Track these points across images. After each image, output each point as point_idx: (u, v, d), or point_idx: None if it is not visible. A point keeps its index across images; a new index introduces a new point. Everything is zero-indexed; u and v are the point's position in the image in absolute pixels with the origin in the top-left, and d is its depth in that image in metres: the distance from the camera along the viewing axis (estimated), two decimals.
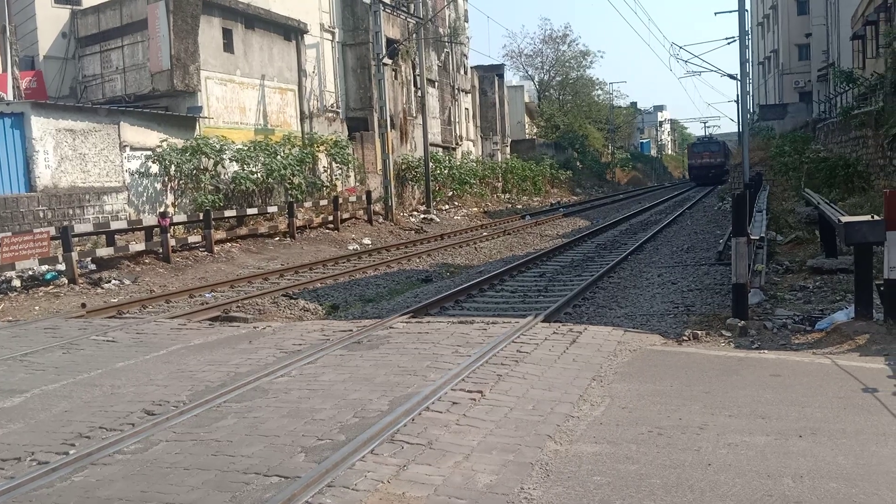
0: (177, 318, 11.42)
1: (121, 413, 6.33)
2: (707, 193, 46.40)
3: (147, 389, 7.08)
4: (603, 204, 43.31)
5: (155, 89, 22.94)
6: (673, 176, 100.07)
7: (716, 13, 76.31)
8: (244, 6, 25.01)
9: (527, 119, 66.01)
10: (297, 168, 24.61)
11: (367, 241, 24.07)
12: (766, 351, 7.79)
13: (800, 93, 53.28)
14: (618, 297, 12.50)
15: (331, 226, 24.61)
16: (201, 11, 22.92)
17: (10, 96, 20.80)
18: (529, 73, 74.71)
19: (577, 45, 76.86)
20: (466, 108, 45.81)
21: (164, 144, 20.78)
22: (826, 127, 31.46)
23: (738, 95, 40.87)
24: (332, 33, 30.51)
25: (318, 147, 26.86)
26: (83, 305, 13.15)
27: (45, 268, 15.50)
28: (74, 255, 15.56)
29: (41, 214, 17.67)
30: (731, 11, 54.12)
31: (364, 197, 27.39)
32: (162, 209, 20.27)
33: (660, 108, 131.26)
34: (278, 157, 23.83)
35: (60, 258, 15.50)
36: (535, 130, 67.66)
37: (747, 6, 31.45)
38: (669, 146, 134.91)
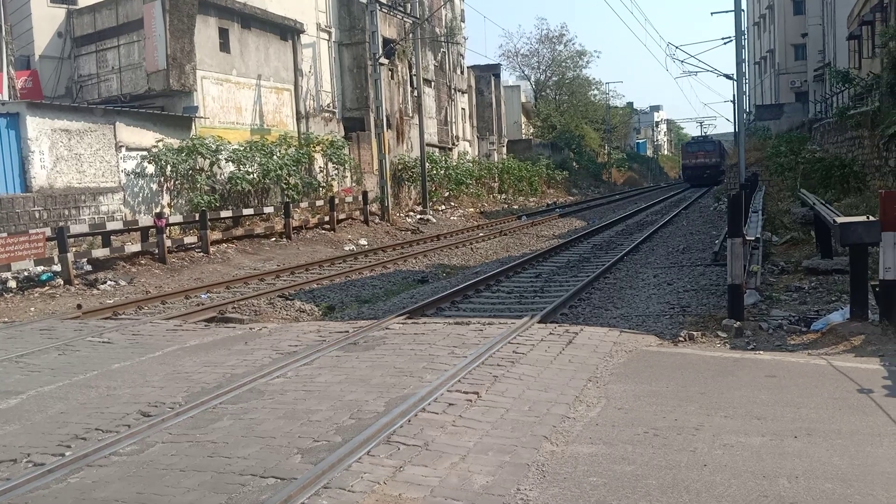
0: (173, 320, 11.41)
1: (117, 414, 6.33)
2: (703, 194, 46.44)
3: (143, 391, 7.07)
4: (599, 204, 43.37)
5: (151, 89, 22.92)
6: (669, 176, 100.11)
7: (712, 13, 76.52)
8: (240, 6, 24.99)
9: (523, 119, 66.07)
10: (294, 168, 24.59)
11: (363, 241, 24.07)
12: (761, 352, 7.81)
13: (796, 93, 53.37)
14: (614, 298, 12.52)
15: (327, 226, 24.60)
16: (197, 11, 22.90)
17: (5, 96, 20.77)
18: (526, 73, 74.80)
19: (573, 44, 76.83)
20: (463, 108, 45.82)
21: (160, 145, 20.76)
22: (822, 127, 31.51)
23: (734, 95, 40.83)
24: (329, 33, 30.50)
25: (314, 147, 26.84)
26: (79, 306, 13.13)
27: (40, 269, 15.48)
28: (70, 256, 15.54)
29: (37, 215, 17.64)
30: (727, 11, 54.05)
31: (360, 197, 27.37)
32: (158, 210, 20.25)
33: (656, 108, 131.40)
34: (274, 157, 23.81)
35: (56, 259, 15.48)
36: (531, 130, 67.71)
37: (743, 6, 31.46)
38: (666, 146, 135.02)
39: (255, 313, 12.40)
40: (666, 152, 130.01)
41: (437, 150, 38.65)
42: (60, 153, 18.76)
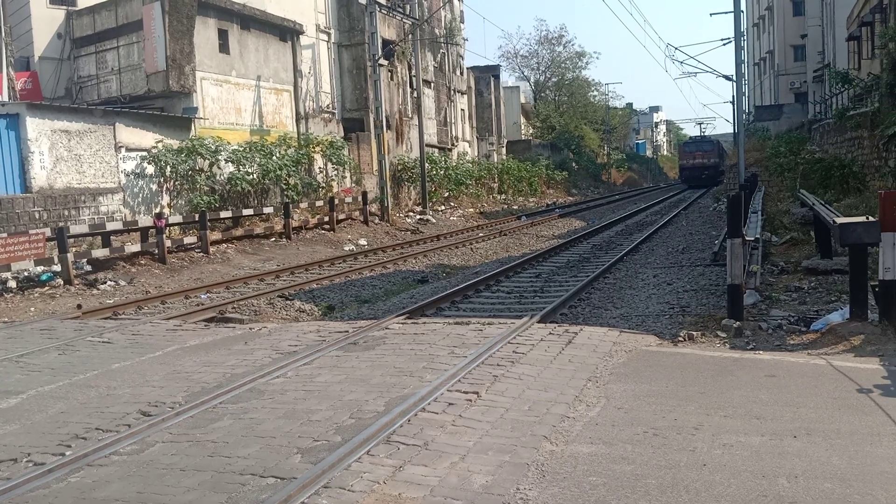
0: (172, 319, 11.41)
1: (117, 414, 6.33)
2: (702, 194, 46.35)
3: (143, 390, 7.08)
4: (599, 205, 43.38)
5: (150, 90, 22.92)
6: (668, 177, 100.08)
7: (711, 14, 76.58)
8: (240, 7, 24.99)
9: (523, 120, 66.08)
10: (293, 169, 24.60)
11: (363, 241, 24.07)
12: (761, 352, 7.82)
13: (795, 94, 53.38)
14: (613, 298, 12.53)
15: (327, 226, 24.61)
16: (197, 12, 22.90)
17: (5, 97, 20.77)
18: (525, 73, 74.82)
19: (572, 45, 76.91)
20: (462, 109, 45.83)
21: (160, 145, 20.77)
22: (822, 128, 31.53)
23: (733, 96, 40.88)
24: (328, 34, 30.50)
25: (313, 148, 26.85)
26: (79, 306, 13.13)
27: (40, 269, 15.49)
28: (70, 257, 15.54)
29: (37, 215, 17.64)
30: (726, 13, 54.33)
31: (360, 198, 27.38)
32: (157, 210, 20.26)
33: (655, 109, 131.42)
34: (274, 157, 23.82)
35: (56, 259, 15.48)
36: (531, 131, 67.70)
37: (743, 7, 31.48)
38: (665, 147, 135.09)
39: (255, 313, 12.40)
40: (665, 153, 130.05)
41: (436, 150, 38.66)
42: (60, 154, 18.76)
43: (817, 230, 13.75)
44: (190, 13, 22.64)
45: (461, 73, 45.56)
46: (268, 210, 22.97)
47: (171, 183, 21.29)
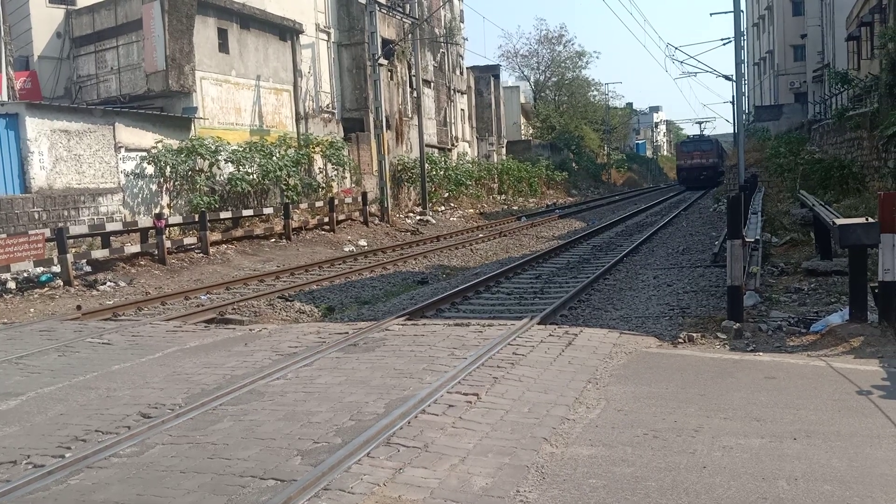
0: (172, 321, 11.41)
1: (117, 416, 6.33)
2: (702, 195, 46.23)
3: (143, 392, 7.08)
4: (599, 205, 43.38)
5: (150, 90, 22.91)
6: (669, 177, 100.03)
7: (711, 14, 76.52)
8: (239, 6, 24.99)
9: (523, 120, 66.08)
10: (293, 169, 24.60)
11: (362, 242, 24.07)
12: (760, 353, 7.81)
13: (795, 94, 53.41)
14: (613, 300, 12.52)
15: (326, 227, 24.61)
16: (196, 11, 22.90)
17: (4, 97, 20.75)
18: (525, 73, 74.82)
19: (572, 45, 76.95)
20: (462, 109, 45.83)
21: (160, 145, 20.76)
22: (821, 128, 31.56)
23: (733, 96, 40.85)
24: (328, 33, 30.50)
25: (313, 148, 26.85)
26: (78, 307, 13.13)
27: (40, 269, 15.48)
28: (69, 257, 15.54)
29: (36, 216, 17.63)
30: (726, 12, 54.34)
31: (360, 198, 27.38)
32: (157, 211, 20.25)
33: (655, 109, 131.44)
34: (274, 158, 23.82)
35: (55, 260, 15.48)
36: (530, 131, 67.71)
37: (742, 7, 31.48)
38: (665, 147, 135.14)
39: (255, 314, 12.40)
40: (665, 153, 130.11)
41: (436, 150, 38.67)
42: (60, 154, 18.76)
43: (817, 231, 13.75)
44: (189, 12, 22.64)
45: (461, 73, 45.56)
46: (268, 211, 22.97)
47: (171, 183, 21.29)
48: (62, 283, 15.32)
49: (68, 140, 18.97)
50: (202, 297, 14.34)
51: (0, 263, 14.61)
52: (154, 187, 20.99)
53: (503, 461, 4.96)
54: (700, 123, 72.05)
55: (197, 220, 19.57)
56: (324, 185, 27.31)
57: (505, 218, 33.85)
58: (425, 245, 23.25)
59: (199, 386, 7.16)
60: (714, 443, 5.18)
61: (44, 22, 24.55)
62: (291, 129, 27.41)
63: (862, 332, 7.89)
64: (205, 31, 23.50)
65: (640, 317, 10.72)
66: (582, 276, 14.92)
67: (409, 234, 26.93)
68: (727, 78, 34.67)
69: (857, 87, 24.80)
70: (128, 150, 20.44)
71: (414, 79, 34.54)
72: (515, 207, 40.76)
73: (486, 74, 51.98)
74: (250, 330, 10.39)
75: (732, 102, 44.70)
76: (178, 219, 20.04)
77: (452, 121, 43.05)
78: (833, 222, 9.38)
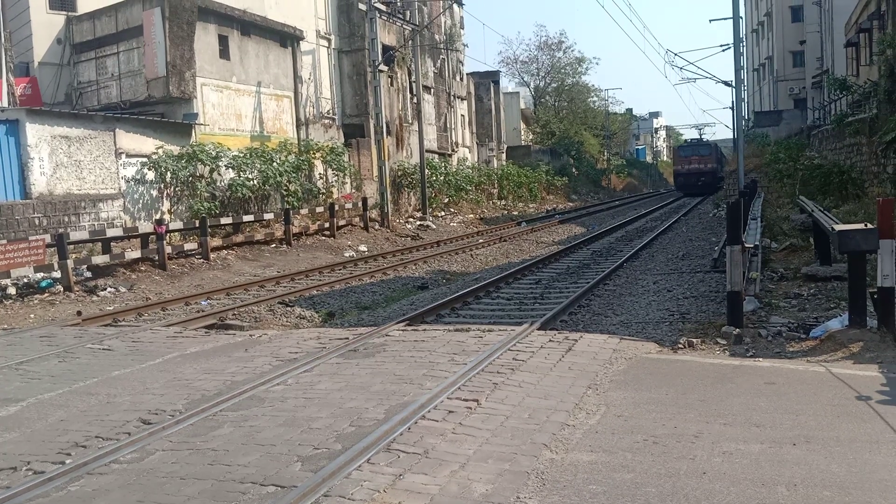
0: (173, 326, 11.41)
1: (117, 422, 6.34)
2: (702, 200, 46.13)
3: (143, 398, 7.08)
4: (599, 210, 43.39)
5: (150, 96, 22.95)
6: (668, 182, 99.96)
7: (710, 20, 76.29)
8: (240, 13, 25.04)
9: (523, 125, 66.17)
10: (294, 175, 24.64)
11: (363, 247, 24.09)
12: (760, 359, 7.82)
13: (794, 99, 53.49)
14: (613, 305, 12.53)
15: (327, 233, 24.63)
16: (197, 18, 22.95)
17: (4, 103, 20.77)
18: (525, 79, 74.95)
19: (572, 51, 76.98)
20: (462, 115, 45.90)
21: (160, 151, 20.79)
22: (820, 134, 31.59)
23: (733, 102, 40.91)
24: (329, 40, 30.57)
25: (314, 154, 26.90)
26: (79, 313, 13.14)
27: (40, 275, 15.49)
28: (70, 263, 15.55)
29: (36, 222, 17.65)
30: (725, 19, 54.38)
31: (360, 203, 27.41)
32: (158, 216, 20.27)
33: (655, 114, 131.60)
34: (274, 163, 23.86)
35: (56, 266, 15.49)
36: (530, 137, 67.80)
37: (742, 13, 31.60)
38: (665, 153, 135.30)
39: (256, 320, 12.41)
40: (665, 158, 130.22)
41: (436, 156, 38.72)
42: (60, 160, 18.78)
43: (816, 237, 13.75)
44: (190, 19, 22.69)
45: (461, 79, 45.64)
46: (268, 216, 22.99)
47: (172, 189, 21.32)
48: (62, 289, 15.32)
49: (69, 146, 19.00)
50: (202, 303, 14.35)
51: (0, 269, 14.62)
52: (155, 193, 21.02)
53: (503, 467, 4.97)
54: (700, 129, 71.33)
55: (197, 225, 19.59)
56: (324, 190, 27.35)
57: (505, 223, 33.87)
58: (425, 250, 23.26)
59: (200, 392, 7.17)
60: (714, 448, 5.19)
61: (44, 28, 24.60)
62: (292, 134, 27.45)
63: (861, 338, 7.90)
64: (206, 38, 23.55)
65: (640, 322, 10.72)
66: (582, 282, 14.93)
67: (409, 239, 26.95)
68: (726, 84, 34.70)
69: (856, 94, 24.83)
70: (128, 155, 20.47)
71: (414, 85, 34.60)
72: (515, 213, 40.78)
73: (486, 80, 52.10)
74: (251, 335, 10.39)
75: (732, 108, 44.75)
76: (178, 224, 20.05)
77: (452, 126, 43.11)
78: (832, 228, 9.39)
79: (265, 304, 13.67)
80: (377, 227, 27.82)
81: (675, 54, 61.21)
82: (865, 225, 8.56)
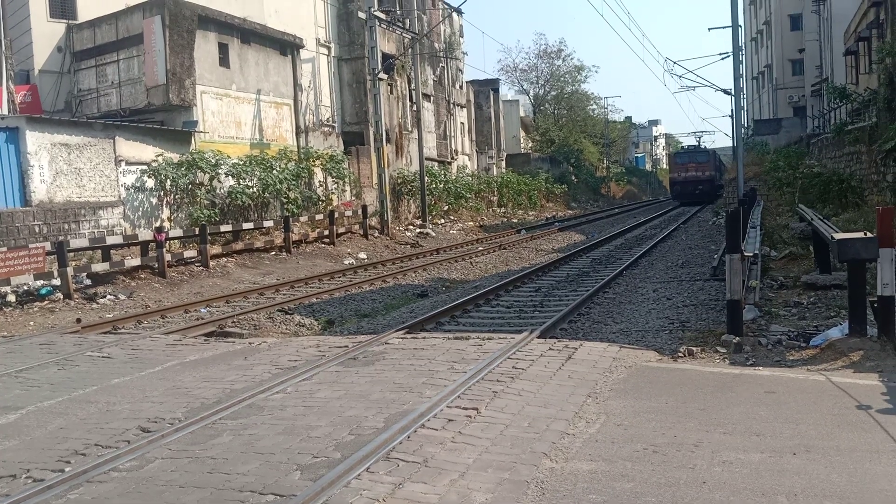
0: (172, 334, 11.41)
1: (116, 430, 6.33)
2: (701, 208, 45.96)
3: (142, 406, 7.07)
4: (598, 218, 43.42)
5: (150, 104, 22.99)
6: (668, 190, 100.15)
7: (709, 29, 76.68)
8: (240, 21, 25.11)
9: (522, 133, 66.27)
10: (293, 182, 24.66)
11: (362, 255, 24.09)
12: (760, 367, 7.82)
13: (794, 108, 53.59)
14: (613, 313, 12.53)
15: (326, 240, 24.63)
16: (197, 26, 23.01)
17: (5, 111, 20.81)
18: (524, 87, 75.15)
19: (571, 59, 77.13)
20: (462, 123, 45.96)
21: (160, 159, 20.81)
22: (820, 142, 31.64)
23: (732, 110, 40.99)
24: (328, 48, 30.64)
25: (313, 161, 26.94)
26: (78, 321, 13.12)
27: (40, 283, 15.49)
28: (70, 271, 15.55)
29: (36, 229, 17.66)
30: (724, 27, 54.42)
31: (360, 211, 27.43)
32: (157, 224, 20.27)
33: (654, 122, 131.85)
34: (274, 171, 23.88)
35: (55, 273, 15.49)
36: (530, 145, 67.92)
37: (741, 22, 31.69)
38: (664, 161, 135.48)
39: (255, 328, 12.40)
40: (665, 166, 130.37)
41: (436, 164, 38.78)
42: (60, 167, 18.80)
43: (816, 245, 13.76)
44: (190, 27, 22.75)
45: (460, 87, 45.74)
46: (268, 224, 23.00)
47: (172, 197, 21.34)
48: (62, 297, 15.32)
49: (69, 154, 19.02)
50: (202, 311, 14.35)
51: (0, 276, 14.62)
52: (154, 201, 21.03)
53: (503, 476, 4.96)
54: (699, 137, 70.89)
55: (197, 233, 19.59)
56: (324, 198, 27.37)
57: (504, 231, 33.88)
58: (425, 258, 23.26)
59: (199, 400, 7.16)
60: (714, 458, 5.18)
61: (45, 36, 24.65)
62: (292, 142, 27.49)
63: (861, 347, 7.89)
64: (205, 46, 23.60)
65: (640, 330, 10.72)
66: (581, 290, 14.93)
67: (408, 246, 26.95)
68: (726, 92, 34.79)
69: (856, 102, 24.88)
70: (128, 163, 20.49)
71: (414, 93, 34.66)
72: (515, 220, 40.80)
73: (486, 88, 52.20)
74: (250, 343, 10.39)
75: (731, 116, 44.78)
76: (178, 232, 20.06)
77: (452, 134, 43.18)
78: (832, 237, 9.39)
79: (264, 311, 13.67)
80: (377, 234, 27.83)
81: (675, 62, 61.44)
82: (865, 234, 8.57)
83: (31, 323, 13.56)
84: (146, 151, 20.97)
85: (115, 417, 6.73)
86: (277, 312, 13.64)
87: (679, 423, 5.98)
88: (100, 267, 16.87)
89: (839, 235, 9.28)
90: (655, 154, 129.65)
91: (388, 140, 30.91)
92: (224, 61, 24.50)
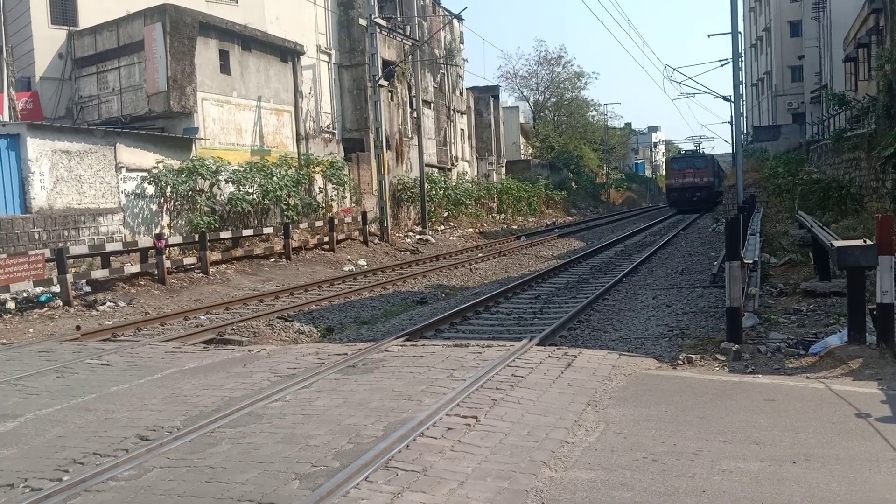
0: (171, 342, 11.39)
1: (115, 438, 6.32)
2: (701, 215, 45.68)
3: (141, 414, 7.06)
4: (598, 225, 43.41)
5: (151, 110, 23.02)
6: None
7: (709, 35, 76.57)
8: (241, 28, 25.15)
9: (522, 140, 66.34)
10: (293, 189, 24.67)
11: (362, 262, 24.08)
12: (760, 375, 7.81)
13: (793, 114, 53.67)
14: (612, 320, 12.52)
15: (326, 247, 24.63)
16: (198, 33, 23.05)
17: (6, 117, 20.82)
18: (524, 94, 75.25)
19: (571, 66, 77.36)
20: (462, 129, 46.02)
21: (160, 166, 20.81)
22: (819, 148, 31.67)
23: (731, 117, 40.98)
24: (329, 55, 30.70)
25: (314, 168, 26.95)
26: (78, 328, 13.11)
27: (39, 290, 15.48)
28: (69, 277, 15.54)
29: (36, 236, 17.66)
30: (724, 34, 54.45)
31: (360, 218, 27.44)
32: (157, 231, 20.28)
33: (654, 128, 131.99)
34: (274, 178, 23.89)
35: (55, 280, 15.48)
36: (530, 151, 67.98)
37: (740, 28, 31.74)
38: (664, 167, 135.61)
39: (254, 335, 12.39)
40: (664, 172, 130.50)
41: (436, 170, 38.79)
42: (60, 174, 18.81)
43: (815, 252, 13.76)
44: (191, 34, 22.79)
45: (461, 94, 45.81)
46: (268, 230, 23.00)
47: (172, 203, 21.34)
48: (61, 304, 15.31)
49: (69, 160, 19.04)
50: (201, 318, 14.33)
51: (0, 283, 14.61)
52: (154, 207, 21.04)
53: (502, 485, 4.95)
54: (699, 144, 70.43)
55: (197, 239, 19.59)
56: (324, 204, 27.38)
57: (504, 237, 33.88)
58: (425, 264, 23.26)
59: (198, 408, 7.15)
60: (713, 466, 5.17)
61: (46, 43, 24.68)
62: (292, 149, 27.51)
63: (861, 354, 7.89)
64: (206, 53, 23.63)
65: (640, 338, 10.72)
66: (581, 297, 14.92)
67: (408, 253, 26.96)
68: (725, 99, 34.85)
69: (855, 109, 24.91)
70: (129, 170, 20.51)
71: (414, 99, 34.71)
72: (515, 227, 40.80)
73: (486, 95, 52.27)
74: (249, 351, 10.38)
75: (731, 123, 44.78)
76: (178, 239, 20.05)
77: (452, 141, 43.22)
78: (831, 244, 9.40)
79: (264, 318, 13.65)
80: (377, 241, 27.82)
81: (674, 69, 61.45)
82: (864, 241, 8.57)
83: (31, 330, 13.55)
84: (147, 158, 20.98)
85: (114, 426, 6.72)
86: (277, 319, 13.62)
87: (679, 431, 5.97)
88: (99, 274, 16.86)
89: (838, 243, 9.29)
90: (655, 160, 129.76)
91: (388, 146, 30.93)
92: (225, 68, 24.53)
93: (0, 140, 17.88)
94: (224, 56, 24.51)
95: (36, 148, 18.32)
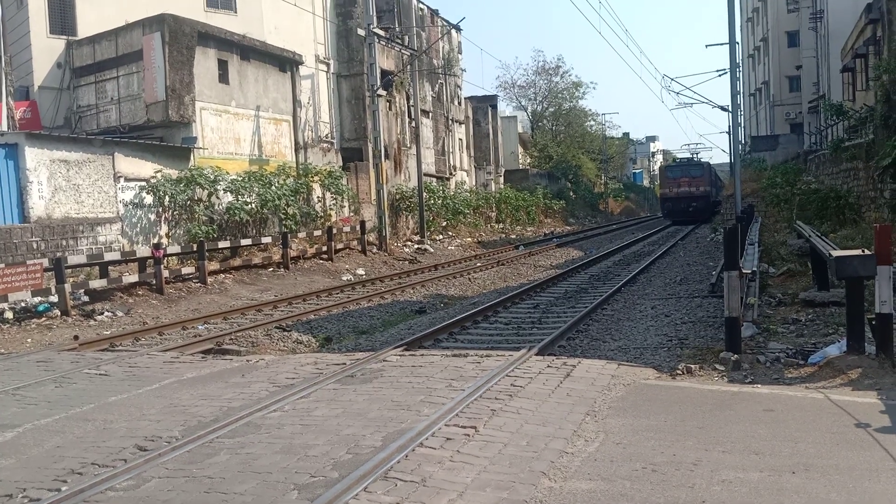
0: (170, 351, 11.37)
1: (113, 449, 6.30)
2: (699, 225, 45.52)
3: (140, 424, 7.04)
4: (596, 234, 43.43)
5: (150, 120, 23.03)
6: None
7: (707, 46, 76.51)
8: (239, 38, 25.20)
9: (520, 149, 66.41)
10: (292, 198, 24.68)
11: (360, 271, 24.07)
12: (759, 385, 7.80)
13: (791, 124, 53.79)
14: (611, 330, 12.52)
15: (325, 256, 24.63)
16: (197, 43, 23.09)
17: (4, 127, 20.80)
18: (523, 103, 75.36)
19: (569, 76, 77.49)
20: (460, 139, 46.08)
21: (159, 175, 20.82)
22: (817, 158, 31.73)
23: (729, 127, 41.10)
24: (327, 64, 30.76)
25: (312, 177, 26.97)
26: (76, 338, 13.09)
27: (37, 299, 15.45)
28: (67, 287, 15.52)
29: (34, 245, 17.64)
30: (721, 44, 54.67)
31: (358, 227, 27.44)
32: (156, 240, 20.27)
33: (652, 138, 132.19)
34: (272, 187, 23.90)
35: (53, 290, 15.46)
36: (528, 160, 68.04)
37: (738, 39, 31.81)
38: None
39: (253, 345, 12.37)
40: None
41: (434, 179, 38.83)
42: (59, 183, 18.81)
43: (814, 262, 13.77)
44: (190, 44, 22.83)
45: (459, 103, 45.89)
46: (266, 240, 22.99)
47: (170, 213, 21.34)
48: (60, 313, 15.29)
49: (67, 170, 19.04)
50: (199, 328, 14.31)
51: None
52: (153, 217, 21.03)
53: (501, 496, 4.94)
54: (696, 153, 70.05)
55: (195, 249, 19.59)
56: (322, 214, 27.39)
57: (503, 246, 33.89)
58: (423, 274, 23.25)
59: (196, 418, 7.13)
60: (713, 476, 5.16)
61: (44, 52, 24.71)
62: (290, 158, 27.51)
63: (860, 364, 7.89)
64: (205, 62, 23.67)
65: (639, 348, 10.71)
66: (580, 306, 14.92)
67: (407, 262, 26.95)
68: (723, 109, 34.85)
69: (853, 119, 24.97)
70: (127, 179, 20.51)
71: (412, 109, 34.78)
72: (513, 236, 40.83)
73: (484, 104, 52.36)
74: (247, 361, 10.35)
75: (728, 133, 44.80)
76: (176, 248, 20.04)
77: (450, 150, 43.27)
78: (830, 254, 9.41)
79: (262, 328, 13.63)
80: (375, 250, 27.82)
81: (672, 79, 61.61)
82: (863, 251, 8.57)
83: (29, 340, 13.52)
84: (145, 168, 20.99)
85: (112, 436, 6.70)
86: (275, 329, 13.60)
87: (678, 441, 5.96)
88: (97, 283, 16.85)
89: (837, 253, 9.29)
90: (653, 170, 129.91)
91: (386, 156, 30.97)
92: (223, 77, 24.57)
93: None
94: (223, 65, 24.55)
95: (34, 157, 18.32)
